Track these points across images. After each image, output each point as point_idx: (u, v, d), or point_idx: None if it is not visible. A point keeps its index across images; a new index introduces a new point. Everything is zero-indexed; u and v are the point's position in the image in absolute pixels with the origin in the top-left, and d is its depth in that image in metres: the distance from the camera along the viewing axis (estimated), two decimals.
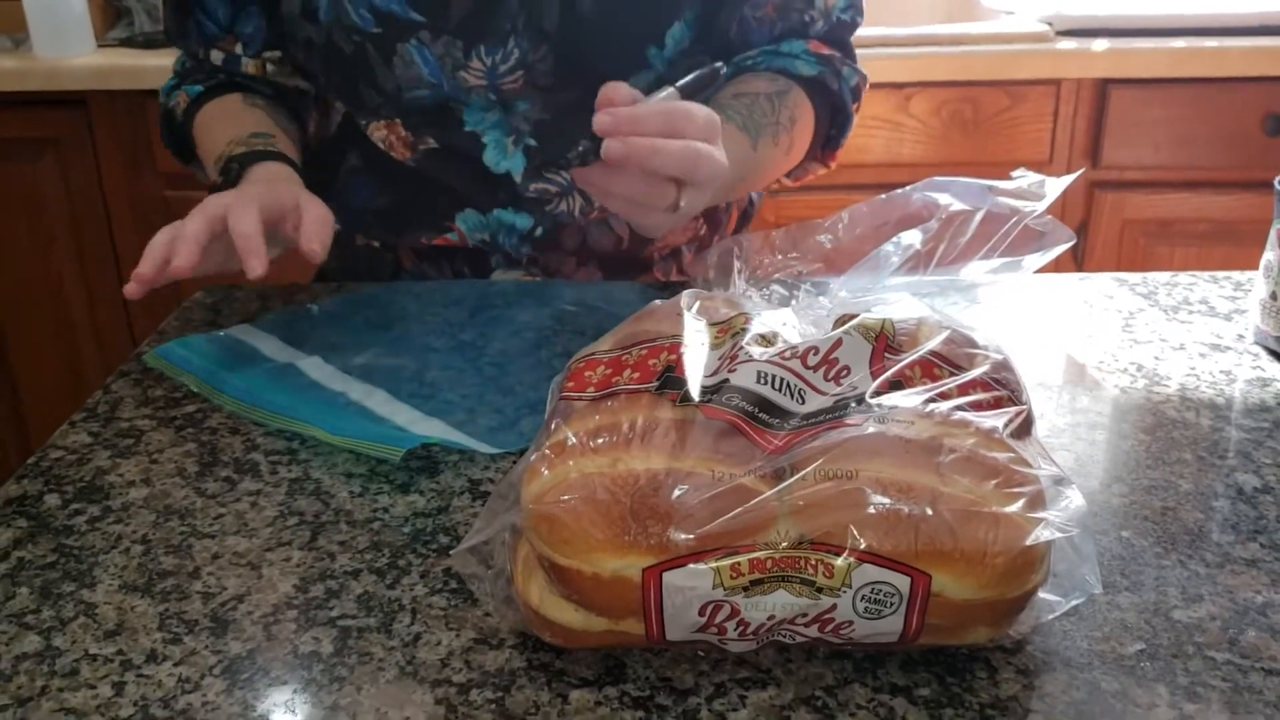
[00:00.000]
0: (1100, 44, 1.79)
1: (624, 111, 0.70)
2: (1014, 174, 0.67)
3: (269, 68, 1.02)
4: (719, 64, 0.74)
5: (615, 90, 0.71)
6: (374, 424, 0.74)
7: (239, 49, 1.01)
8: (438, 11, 0.92)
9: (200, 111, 1.01)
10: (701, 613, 0.49)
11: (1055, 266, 0.79)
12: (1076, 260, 1.89)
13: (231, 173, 0.88)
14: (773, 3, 0.98)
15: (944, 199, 0.65)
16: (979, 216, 0.65)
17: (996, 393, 0.55)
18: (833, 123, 1.03)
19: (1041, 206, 0.64)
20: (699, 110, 0.73)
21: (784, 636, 0.51)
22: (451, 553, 0.61)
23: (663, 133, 0.70)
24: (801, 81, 0.98)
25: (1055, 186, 0.64)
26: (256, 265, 0.76)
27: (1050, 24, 1.85)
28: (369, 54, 0.94)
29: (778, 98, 0.95)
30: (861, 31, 1.81)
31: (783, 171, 1.02)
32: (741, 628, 0.50)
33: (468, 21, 0.93)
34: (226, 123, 0.97)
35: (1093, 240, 1.89)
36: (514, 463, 0.70)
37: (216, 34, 1.01)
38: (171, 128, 1.05)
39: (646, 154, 0.70)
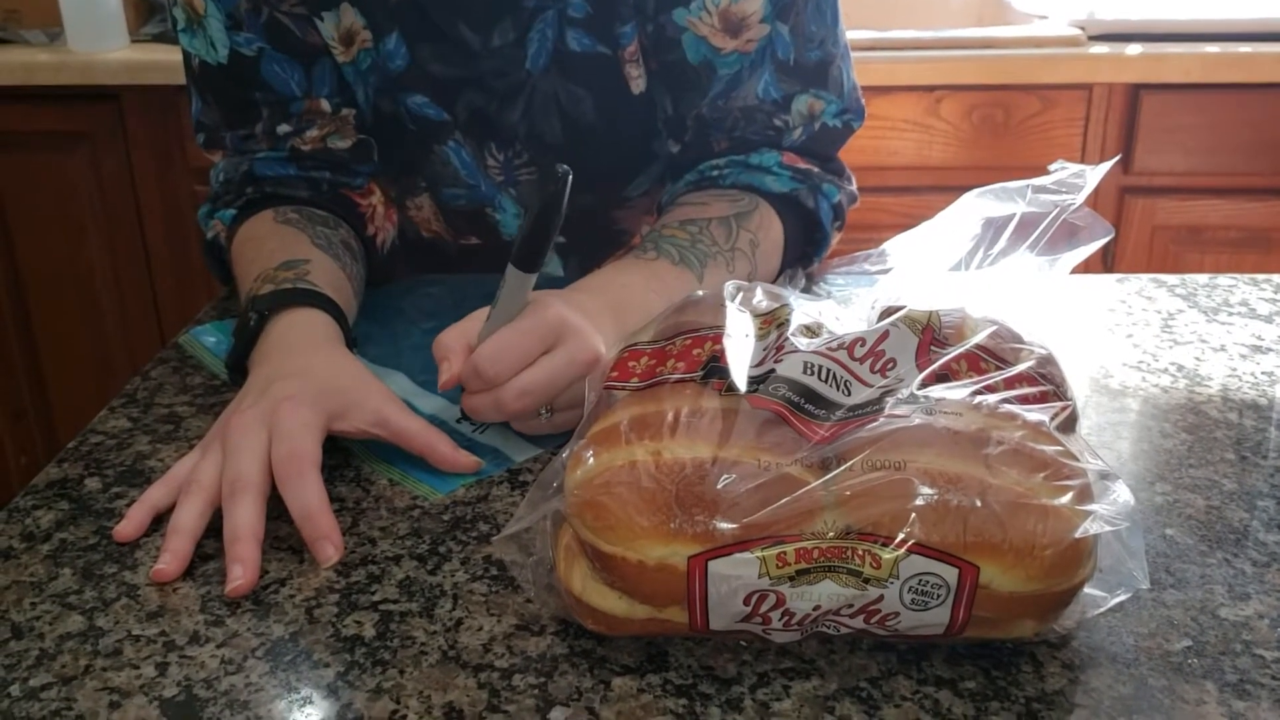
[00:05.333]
0: (1133, 49, 1.79)
1: (460, 374, 0.68)
2: (1052, 166, 0.66)
3: (329, 141, 0.93)
4: (561, 171, 0.64)
5: (448, 349, 0.68)
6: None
7: (324, 105, 0.92)
8: (450, 109, 0.93)
9: (235, 238, 0.90)
10: (746, 602, 0.49)
11: (1087, 271, 0.79)
12: (1107, 265, 1.88)
13: (249, 329, 0.75)
14: (738, 105, 0.90)
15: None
16: (1017, 217, 0.64)
17: (1042, 388, 0.54)
18: (809, 240, 0.95)
19: (1081, 197, 0.63)
20: (533, 327, 0.67)
21: (829, 627, 0.51)
22: (493, 539, 0.61)
23: (501, 376, 0.66)
24: (771, 198, 0.91)
25: (1094, 174, 0.64)
26: (332, 551, 0.61)
27: (1083, 28, 1.85)
28: (411, 144, 0.95)
29: (736, 220, 0.87)
30: (892, 34, 1.83)
31: None
32: (786, 618, 0.50)
33: (473, 123, 0.94)
34: (255, 249, 0.85)
35: (1123, 246, 1.88)
36: (553, 453, 0.70)
37: (288, 100, 0.91)
38: (218, 258, 0.94)
39: (492, 414, 0.68)
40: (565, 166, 0.65)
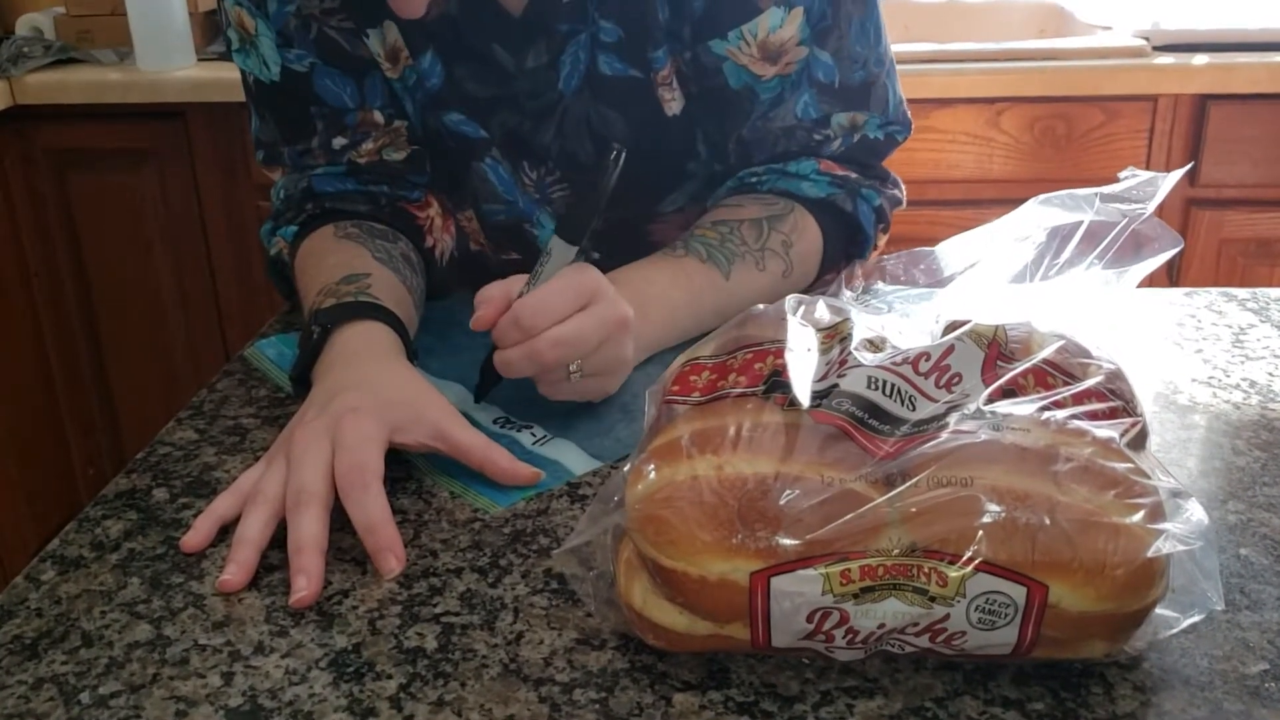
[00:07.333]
0: (1199, 59, 1.76)
1: (499, 320, 0.71)
2: (1122, 174, 0.65)
3: (384, 153, 0.94)
4: (616, 149, 0.69)
5: (487, 296, 0.72)
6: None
7: (378, 116, 0.93)
8: (487, 127, 0.94)
9: (297, 254, 0.91)
10: (809, 619, 0.49)
11: (1151, 285, 0.78)
12: (1172, 279, 1.85)
13: (313, 342, 0.76)
14: (778, 125, 0.91)
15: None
16: (1085, 226, 0.63)
17: (1111, 403, 0.53)
18: (851, 242, 0.95)
19: (1151, 206, 0.62)
20: (571, 285, 0.71)
21: (893, 646, 0.50)
22: (553, 553, 0.61)
23: (537, 327, 0.70)
24: (807, 203, 0.92)
25: (1166, 182, 0.63)
26: (394, 563, 0.61)
27: (1147, 39, 1.82)
28: (453, 160, 0.97)
29: (769, 222, 0.89)
30: (953, 46, 1.81)
31: (785, 294, 0.93)
32: (850, 636, 0.49)
33: (508, 141, 0.95)
34: (317, 264, 0.86)
35: (1189, 259, 1.85)
36: (614, 467, 0.70)
37: (341, 112, 0.92)
38: (282, 274, 0.95)
39: (526, 365, 0.71)
40: (620, 145, 0.68)
